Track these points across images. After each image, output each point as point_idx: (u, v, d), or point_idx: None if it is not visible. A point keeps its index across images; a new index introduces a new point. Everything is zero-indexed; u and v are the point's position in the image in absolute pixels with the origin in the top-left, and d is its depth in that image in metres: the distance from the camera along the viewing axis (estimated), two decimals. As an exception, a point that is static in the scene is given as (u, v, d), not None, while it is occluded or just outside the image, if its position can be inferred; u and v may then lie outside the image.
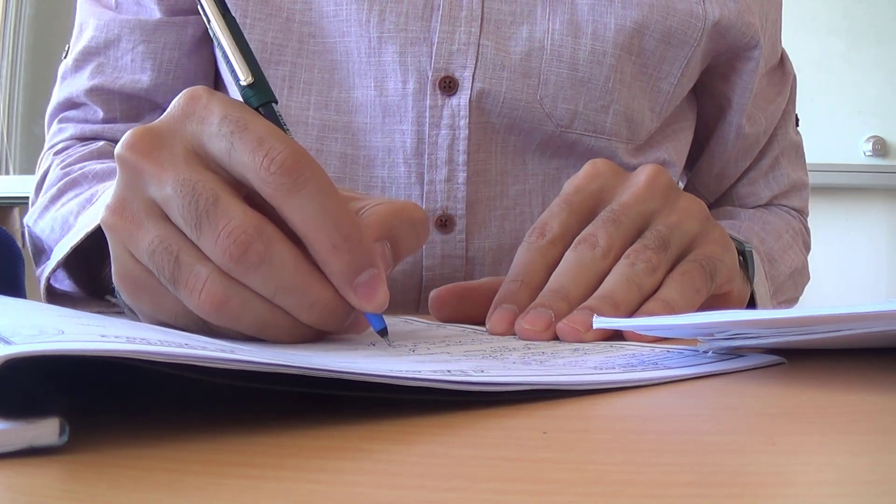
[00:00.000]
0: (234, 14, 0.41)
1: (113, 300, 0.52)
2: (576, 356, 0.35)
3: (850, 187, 2.45)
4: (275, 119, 0.39)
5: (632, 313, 0.43)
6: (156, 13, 0.70)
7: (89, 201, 0.61)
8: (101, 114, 0.72)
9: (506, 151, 0.68)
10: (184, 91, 0.38)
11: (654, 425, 0.25)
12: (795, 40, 1.08)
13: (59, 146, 0.73)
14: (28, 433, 0.20)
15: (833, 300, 1.94)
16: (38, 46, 2.35)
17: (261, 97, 0.40)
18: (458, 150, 0.66)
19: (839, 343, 0.35)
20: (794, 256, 0.77)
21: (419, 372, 0.26)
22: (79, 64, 0.72)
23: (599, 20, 0.67)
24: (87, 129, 0.73)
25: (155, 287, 0.38)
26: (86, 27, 0.72)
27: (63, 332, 0.24)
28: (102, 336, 0.23)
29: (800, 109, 0.85)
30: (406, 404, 0.25)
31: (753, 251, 0.58)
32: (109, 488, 0.19)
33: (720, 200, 0.84)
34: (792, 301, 0.81)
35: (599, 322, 0.37)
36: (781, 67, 0.81)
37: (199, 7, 0.40)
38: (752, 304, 0.59)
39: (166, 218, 0.37)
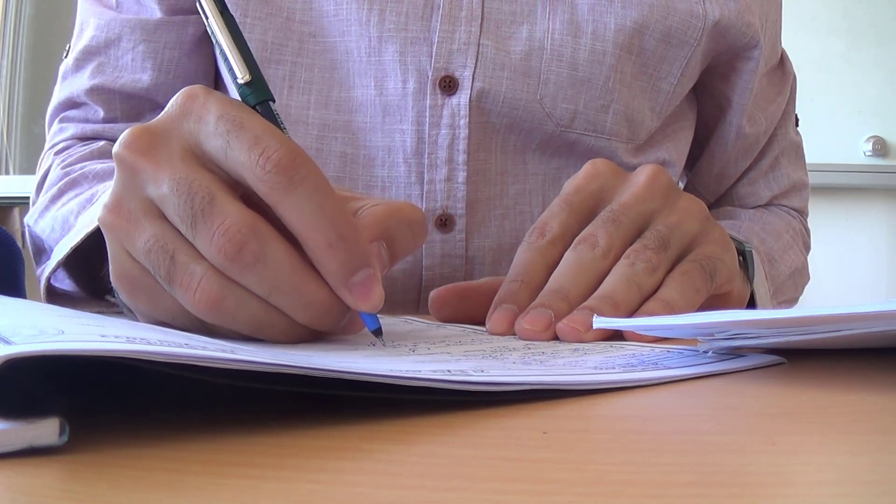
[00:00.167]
0: (234, 13, 0.41)
1: (113, 300, 0.52)
2: (576, 356, 0.35)
3: (850, 187, 2.44)
4: (272, 118, 0.39)
5: (632, 313, 0.43)
6: (156, 12, 0.70)
7: (89, 201, 0.61)
8: (101, 113, 0.72)
9: (506, 151, 0.68)
10: (182, 90, 0.38)
11: (654, 425, 0.25)
12: (795, 40, 1.08)
13: (60, 146, 0.73)
14: (28, 433, 0.20)
15: (833, 300, 1.94)
16: (38, 46, 2.35)
17: (258, 95, 0.40)
18: (458, 150, 0.66)
19: (839, 343, 0.35)
20: (794, 256, 0.77)
21: (419, 372, 0.26)
22: (79, 63, 0.72)
23: (599, 20, 0.67)
24: (88, 128, 0.73)
25: (152, 286, 0.38)
26: (86, 27, 0.72)
27: (63, 332, 0.24)
28: (102, 336, 0.23)
29: (800, 109, 0.85)
30: (406, 404, 0.25)
31: (753, 251, 0.58)
32: (109, 488, 0.19)
33: (720, 200, 0.84)
34: (792, 301, 0.81)
35: (599, 322, 0.37)
36: (781, 67, 0.81)
37: (197, 5, 0.40)
38: (752, 304, 0.59)
39: (163, 217, 0.37)
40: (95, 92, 0.71)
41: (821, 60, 2.38)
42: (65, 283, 0.57)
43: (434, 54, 0.65)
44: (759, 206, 0.82)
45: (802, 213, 0.84)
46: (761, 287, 0.62)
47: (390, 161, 0.67)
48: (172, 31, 0.71)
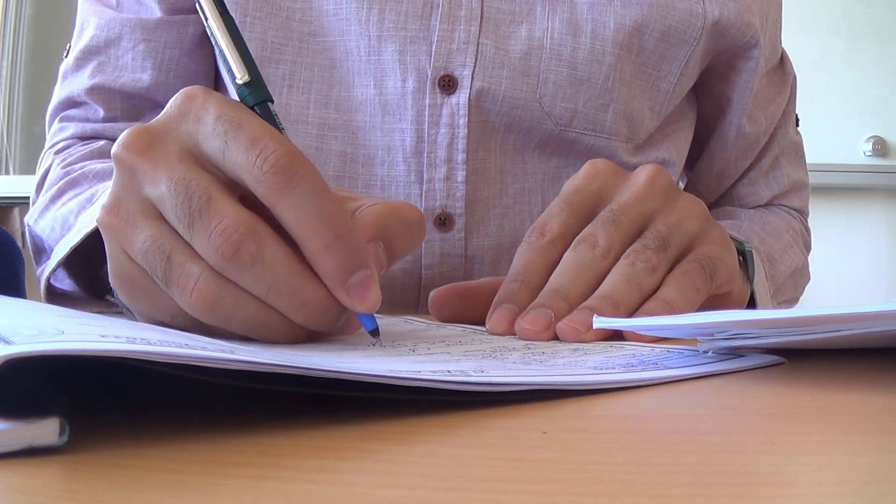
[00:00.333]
0: (234, 13, 0.41)
1: (113, 300, 0.52)
2: (576, 356, 0.35)
3: (850, 187, 2.44)
4: (270, 118, 0.39)
5: (632, 313, 0.43)
6: (156, 12, 0.70)
7: (90, 201, 0.61)
8: (101, 113, 0.72)
9: (505, 150, 0.68)
10: (180, 90, 0.38)
11: (654, 425, 0.25)
12: (795, 40, 1.08)
13: (60, 145, 0.73)
14: (28, 433, 0.20)
15: (833, 300, 1.94)
16: (38, 46, 2.35)
17: (257, 96, 0.40)
18: (458, 149, 0.66)
19: (839, 343, 0.35)
20: (794, 256, 0.77)
21: (419, 372, 0.26)
22: (80, 63, 0.72)
23: (599, 19, 0.67)
24: (88, 128, 0.73)
25: (150, 287, 0.38)
26: (87, 26, 0.72)
27: (63, 332, 0.24)
28: (102, 336, 0.23)
29: (800, 109, 0.85)
30: (406, 404, 0.25)
31: (753, 251, 0.58)
32: (109, 488, 0.19)
33: (720, 200, 0.84)
34: (792, 301, 0.81)
35: (599, 322, 0.37)
36: (781, 67, 0.81)
37: (196, 5, 0.40)
38: (752, 304, 0.59)
39: (161, 217, 0.37)
40: (95, 91, 0.71)
41: (821, 60, 2.38)
42: (65, 283, 0.57)
43: (433, 53, 0.65)
44: (760, 205, 0.82)
45: (803, 213, 0.84)
46: (761, 287, 0.62)
47: (390, 160, 0.67)
48: (173, 30, 0.71)
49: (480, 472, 0.20)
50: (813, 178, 0.87)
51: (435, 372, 0.27)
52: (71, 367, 0.22)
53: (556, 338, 0.42)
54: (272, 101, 0.40)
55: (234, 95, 0.40)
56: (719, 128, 0.79)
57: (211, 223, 0.35)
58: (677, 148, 0.75)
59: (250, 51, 0.40)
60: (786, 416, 0.26)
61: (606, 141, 0.69)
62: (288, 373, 0.23)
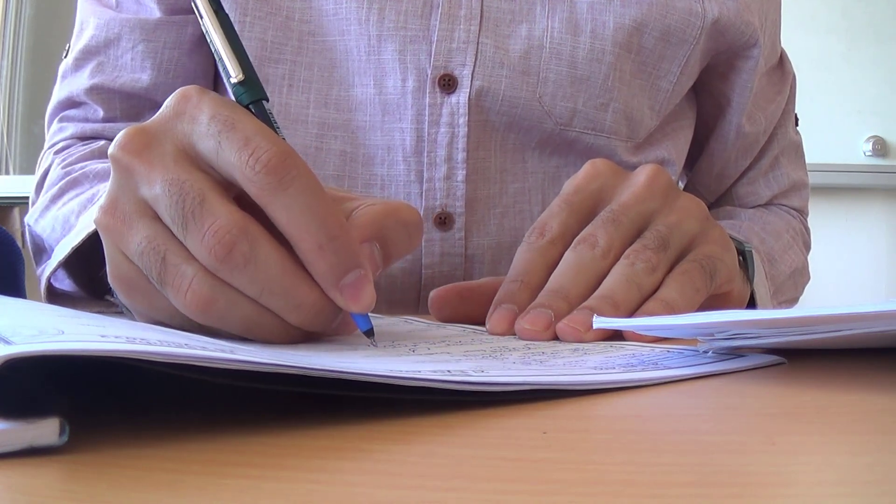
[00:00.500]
0: (233, 12, 0.41)
1: (113, 300, 0.52)
2: (576, 356, 0.35)
3: (850, 187, 2.44)
4: (265, 117, 0.39)
5: (632, 313, 0.43)
6: (156, 12, 0.70)
7: (90, 201, 0.61)
8: (101, 113, 0.72)
9: (505, 149, 0.68)
10: (176, 91, 0.38)
11: (654, 425, 0.25)
12: (794, 40, 1.08)
13: (60, 145, 0.73)
14: (28, 433, 0.20)
15: (833, 300, 1.94)
16: (38, 46, 2.35)
17: (252, 95, 0.40)
18: (458, 148, 0.66)
19: (839, 343, 0.35)
20: (794, 256, 0.77)
21: (419, 372, 0.26)
22: (79, 63, 0.72)
23: (598, 18, 0.67)
24: (88, 128, 0.73)
25: (148, 287, 0.38)
26: (86, 26, 0.72)
27: (63, 332, 0.24)
28: (102, 336, 0.23)
29: (799, 109, 0.85)
30: (406, 404, 0.25)
31: (753, 251, 0.58)
32: (109, 488, 0.19)
33: (720, 200, 0.84)
34: (792, 301, 0.81)
35: (599, 322, 0.37)
36: (781, 67, 0.81)
37: (192, 5, 0.40)
38: (752, 304, 0.59)
39: (157, 218, 0.37)
40: (95, 91, 0.71)
41: (820, 60, 2.38)
42: (65, 283, 0.57)
43: (433, 53, 0.66)
44: (759, 205, 0.82)
45: (802, 213, 0.84)
46: (761, 287, 0.62)
47: (390, 159, 0.67)
48: (172, 30, 0.71)
49: (480, 472, 0.20)
50: (813, 178, 0.87)
51: (435, 372, 0.27)
52: (71, 367, 0.22)
53: (556, 338, 0.42)
54: (267, 100, 0.40)
55: (232, 95, 0.41)
56: (719, 127, 0.79)
57: (204, 224, 0.35)
58: (677, 147, 0.75)
59: (250, 50, 0.40)
60: (786, 416, 0.26)
61: (606, 140, 0.69)
62: (288, 372, 0.23)
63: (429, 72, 0.66)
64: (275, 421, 0.24)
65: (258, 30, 0.66)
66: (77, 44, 0.73)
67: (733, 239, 0.53)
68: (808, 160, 0.86)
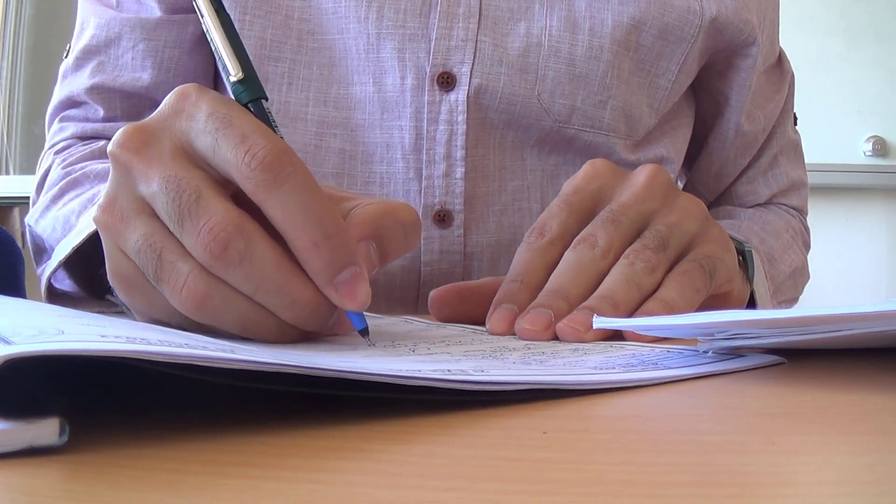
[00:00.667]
0: (233, 11, 0.41)
1: (113, 300, 0.52)
2: (576, 356, 0.35)
3: (850, 187, 2.44)
4: (264, 116, 0.39)
5: (631, 313, 0.43)
6: (156, 11, 0.70)
7: (91, 201, 0.61)
8: (101, 112, 0.72)
9: (504, 147, 0.68)
10: (175, 88, 0.39)
11: (654, 425, 0.25)
12: (794, 40, 1.08)
13: (60, 145, 0.73)
14: (28, 433, 0.20)
15: (833, 300, 1.94)
16: (38, 46, 2.35)
17: (251, 93, 0.40)
18: (456, 146, 0.66)
19: (839, 343, 0.35)
20: (793, 256, 0.77)
21: (419, 372, 0.26)
22: (79, 62, 0.72)
23: (596, 16, 0.67)
24: (88, 127, 0.73)
25: (146, 285, 0.38)
26: (87, 26, 0.72)
27: (63, 332, 0.24)
28: (102, 336, 0.23)
29: (799, 109, 0.85)
30: (406, 404, 0.25)
31: (753, 251, 0.58)
32: (109, 488, 0.19)
33: (719, 199, 0.84)
34: (792, 301, 0.81)
35: (599, 322, 0.37)
36: (779, 66, 0.81)
37: (193, 3, 0.40)
38: (751, 303, 0.59)
39: (154, 215, 0.37)
40: (95, 91, 0.71)
41: (819, 60, 2.38)
42: (65, 283, 0.57)
43: (432, 51, 0.66)
44: (759, 204, 0.82)
45: (802, 212, 0.84)
46: (761, 287, 0.62)
47: (389, 157, 0.67)
48: (172, 29, 0.71)
49: (480, 472, 0.20)
50: (812, 178, 0.87)
51: (435, 372, 0.27)
52: (71, 367, 0.22)
53: (556, 338, 0.42)
54: (266, 99, 0.40)
55: (232, 93, 0.41)
56: (718, 126, 0.79)
57: (200, 221, 0.35)
58: (676, 145, 0.75)
59: (249, 49, 0.40)
60: (786, 416, 0.26)
61: (605, 138, 0.69)
62: (288, 372, 0.23)
63: (427, 70, 0.66)
64: (275, 421, 0.24)
65: (258, 28, 0.66)
66: (77, 43, 0.73)
67: (733, 239, 0.53)
68: (807, 160, 0.86)
